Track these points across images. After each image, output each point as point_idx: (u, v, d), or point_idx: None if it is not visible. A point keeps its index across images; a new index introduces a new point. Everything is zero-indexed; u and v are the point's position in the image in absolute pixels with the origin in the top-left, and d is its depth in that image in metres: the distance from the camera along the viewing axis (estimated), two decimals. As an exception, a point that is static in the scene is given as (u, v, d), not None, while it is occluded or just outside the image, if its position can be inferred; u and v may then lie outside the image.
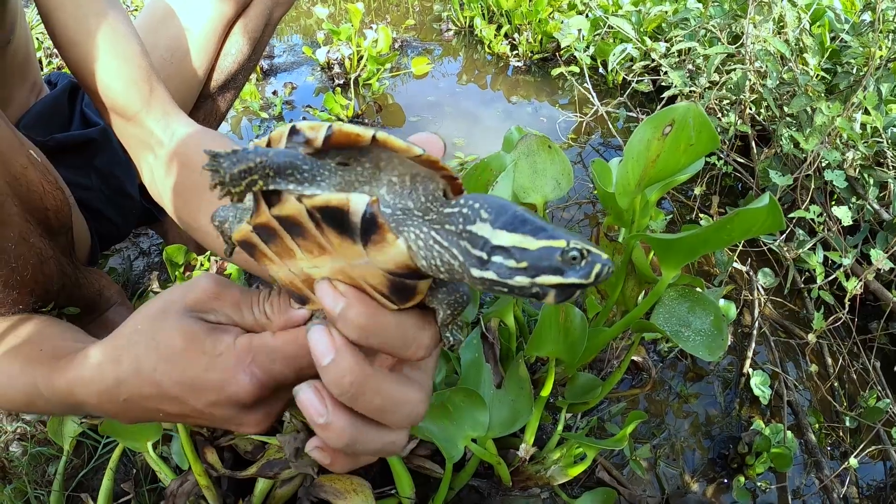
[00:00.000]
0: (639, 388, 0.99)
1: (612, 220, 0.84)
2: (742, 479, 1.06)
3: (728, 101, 1.41)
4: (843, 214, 1.13)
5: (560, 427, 0.78)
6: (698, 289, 0.75)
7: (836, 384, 1.30)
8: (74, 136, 0.91)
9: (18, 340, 0.59)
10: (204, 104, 1.04)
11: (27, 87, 0.92)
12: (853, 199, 1.27)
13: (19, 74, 0.89)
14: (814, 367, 1.28)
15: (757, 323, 1.23)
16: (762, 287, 1.27)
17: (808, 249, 1.21)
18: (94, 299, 0.82)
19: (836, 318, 1.18)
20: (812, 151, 1.22)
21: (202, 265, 0.99)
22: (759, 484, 1.09)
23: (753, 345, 1.20)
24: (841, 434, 1.24)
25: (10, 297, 0.61)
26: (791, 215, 1.07)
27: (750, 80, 1.37)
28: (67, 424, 0.91)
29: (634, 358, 1.00)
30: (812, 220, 1.06)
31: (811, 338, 1.04)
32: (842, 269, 1.14)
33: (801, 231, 1.10)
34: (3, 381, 0.57)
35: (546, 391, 0.76)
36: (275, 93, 1.83)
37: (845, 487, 1.14)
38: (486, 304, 0.73)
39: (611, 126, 1.64)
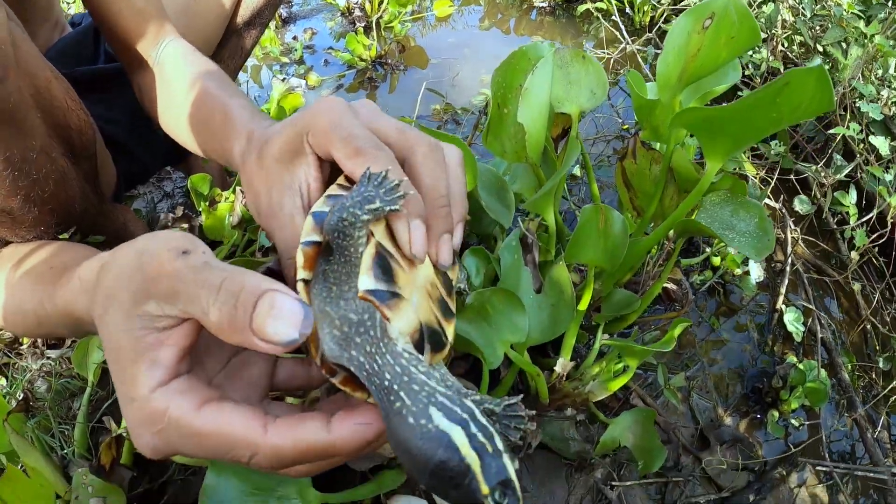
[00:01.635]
0: (674, 312, 0.96)
1: (649, 135, 0.80)
2: (776, 413, 1.04)
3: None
4: (881, 144, 1.09)
5: (597, 344, 0.76)
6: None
7: (868, 326, 1.27)
8: (100, 70, 0.89)
9: (34, 262, 0.58)
10: (229, 40, 1.03)
11: (50, 25, 0.91)
12: (886, 138, 1.22)
13: (41, 12, 0.87)
14: (846, 308, 1.25)
15: (790, 260, 1.19)
16: (793, 225, 1.24)
17: (843, 191, 1.17)
18: (119, 232, 0.80)
19: (866, 252, 1.15)
20: (845, 82, 1.18)
21: (227, 198, 0.96)
22: (792, 421, 1.06)
23: (787, 281, 1.17)
24: (874, 376, 1.22)
25: (31, 213, 0.59)
26: (831, 131, 1.03)
27: (782, 14, 1.32)
28: (92, 354, 0.89)
29: (667, 285, 0.97)
30: (852, 138, 1.02)
31: (853, 256, 0.99)
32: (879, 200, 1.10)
33: (838, 157, 1.06)
34: (16, 304, 0.57)
35: (584, 304, 0.73)
36: (295, 38, 1.80)
37: (878, 429, 1.11)
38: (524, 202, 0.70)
39: (640, 62, 1.59)
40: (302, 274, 0.36)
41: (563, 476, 0.86)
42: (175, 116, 0.70)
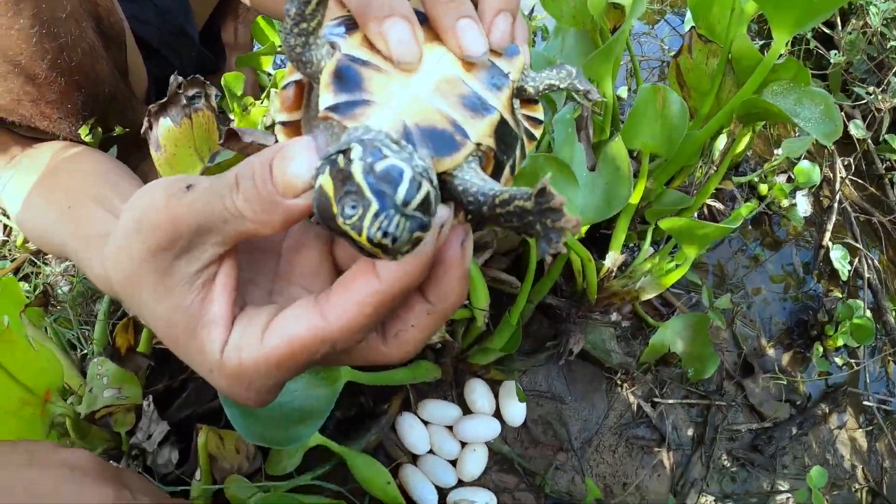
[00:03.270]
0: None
1: (705, 32, 0.76)
2: (820, 348, 1.00)
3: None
4: (942, 74, 1.04)
5: (647, 242, 0.72)
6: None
7: (914, 275, 1.22)
8: None
9: (55, 184, 0.55)
10: None
11: None
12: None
13: None
14: (892, 256, 1.20)
15: (838, 196, 1.14)
16: (841, 166, 1.19)
17: (893, 133, 1.12)
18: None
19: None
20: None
21: (262, 102, 0.93)
22: (835, 359, 1.02)
23: (834, 218, 1.12)
24: (919, 325, 1.17)
25: (57, 84, 0.56)
26: (893, 44, 0.97)
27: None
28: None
29: (713, 203, 0.93)
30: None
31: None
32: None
33: (895, 79, 1.01)
34: (41, 230, 0.55)
35: (637, 196, 0.69)
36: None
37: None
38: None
39: None
40: (280, 117, 0.30)
41: (603, 389, 0.83)
42: None
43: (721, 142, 0.87)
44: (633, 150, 0.70)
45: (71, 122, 0.61)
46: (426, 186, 0.23)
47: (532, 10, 1.19)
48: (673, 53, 1.32)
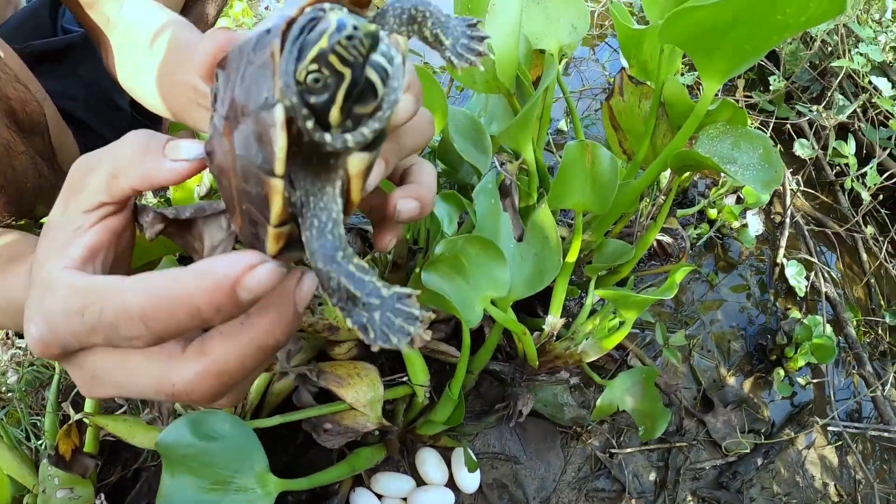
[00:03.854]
0: (670, 265, 0.90)
1: (637, 72, 0.74)
2: (781, 372, 0.98)
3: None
4: (884, 85, 1.02)
5: (590, 297, 0.69)
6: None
7: (872, 281, 1.21)
8: (54, 43, 0.84)
9: None
10: (192, 10, 0.97)
11: (2, 2, 0.85)
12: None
13: None
14: (848, 263, 1.19)
15: (790, 212, 1.13)
16: (791, 178, 1.18)
17: (841, 140, 1.11)
18: None
19: (868, 206, 1.09)
20: (841, 26, 1.11)
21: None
22: (798, 379, 1.01)
23: (787, 234, 1.11)
24: (880, 332, 1.16)
25: None
26: (834, 64, 0.96)
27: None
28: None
29: (661, 238, 0.91)
30: (856, 71, 0.95)
31: (865, 197, 0.92)
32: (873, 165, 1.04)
33: (839, 96, 0.99)
34: None
35: (573, 255, 0.66)
36: (267, 8, 1.75)
37: (888, 387, 1.06)
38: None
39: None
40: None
41: (558, 444, 0.80)
42: (136, 71, 0.64)
43: (666, 173, 0.85)
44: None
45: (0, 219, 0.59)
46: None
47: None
48: (613, 79, 1.30)
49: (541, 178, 0.65)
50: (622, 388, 0.71)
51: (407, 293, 0.23)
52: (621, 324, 0.67)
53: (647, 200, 0.81)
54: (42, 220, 0.66)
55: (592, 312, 0.69)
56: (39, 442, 0.78)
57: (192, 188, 0.96)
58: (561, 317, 0.69)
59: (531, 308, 0.77)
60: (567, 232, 0.75)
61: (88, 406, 0.75)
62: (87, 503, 0.67)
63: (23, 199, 0.60)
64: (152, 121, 1.02)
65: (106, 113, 0.89)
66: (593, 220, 0.72)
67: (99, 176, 0.30)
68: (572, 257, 0.67)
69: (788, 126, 1.18)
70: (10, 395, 0.87)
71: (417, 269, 0.55)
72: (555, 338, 0.68)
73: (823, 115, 0.96)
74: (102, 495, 0.68)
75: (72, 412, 0.75)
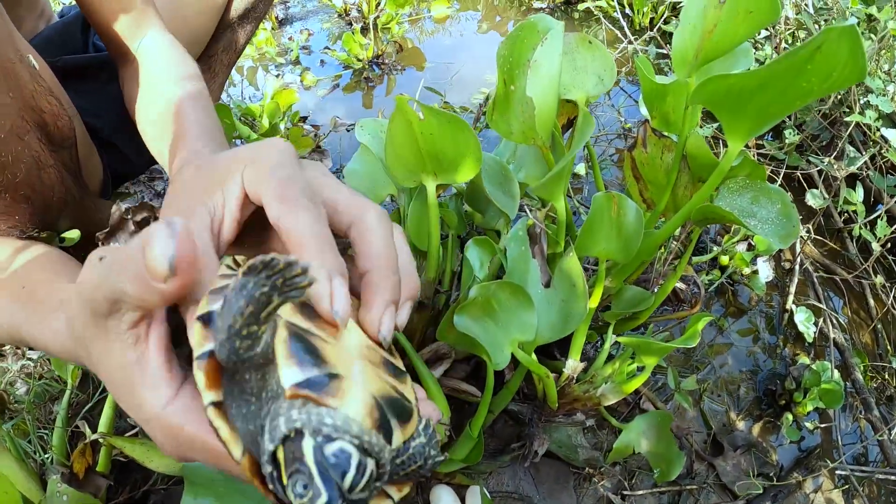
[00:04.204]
0: (685, 312, 0.91)
1: (659, 123, 0.76)
2: (790, 416, 0.99)
3: (764, 36, 1.34)
4: (893, 136, 1.05)
5: (608, 343, 0.71)
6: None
7: (879, 326, 1.23)
8: (85, 59, 0.85)
9: (3, 273, 0.54)
10: (223, 35, 1.00)
11: (35, 15, 0.88)
12: None
13: (26, 1, 0.83)
14: (856, 309, 1.21)
15: (799, 259, 1.15)
16: (801, 227, 1.20)
17: (850, 188, 1.13)
18: (103, 228, 0.76)
19: (877, 255, 1.11)
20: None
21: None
22: (806, 424, 1.02)
23: (796, 280, 1.13)
24: (887, 377, 1.18)
25: (3, 200, 0.55)
26: (847, 119, 0.99)
27: (785, 10, 1.29)
28: (71, 358, 0.85)
29: (676, 284, 0.93)
30: (868, 126, 0.98)
31: (875, 248, 0.94)
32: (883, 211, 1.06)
33: (850, 147, 1.02)
34: None
35: (595, 300, 0.68)
36: (291, 38, 1.77)
37: (895, 431, 1.07)
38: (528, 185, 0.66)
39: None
40: (209, 397, 0.29)
41: (570, 485, 0.81)
42: (143, 116, 0.67)
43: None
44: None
45: (21, 230, 0.59)
46: (370, 466, 0.25)
47: (487, 97, 1.19)
48: (629, 126, 1.34)
49: (567, 227, 0.67)
50: (638, 430, 0.72)
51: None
52: (640, 369, 0.69)
53: (664, 249, 0.83)
54: (64, 235, 0.67)
55: (610, 357, 0.70)
56: (46, 456, 0.78)
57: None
58: (580, 361, 0.70)
59: (549, 351, 0.79)
60: (588, 276, 0.77)
61: (103, 425, 0.75)
62: None
63: (48, 213, 0.61)
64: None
65: (131, 132, 0.90)
66: (613, 266, 0.74)
67: (111, 301, 0.31)
68: (594, 303, 0.69)
69: (798, 175, 1.21)
70: (18, 406, 0.87)
71: (446, 314, 0.57)
72: (574, 381, 0.70)
73: (834, 165, 0.99)
74: None
75: (87, 430, 0.75)
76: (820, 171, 1.21)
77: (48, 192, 0.60)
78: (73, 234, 0.68)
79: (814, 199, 1.03)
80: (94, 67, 0.85)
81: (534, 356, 0.64)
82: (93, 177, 0.78)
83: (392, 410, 0.29)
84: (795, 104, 0.54)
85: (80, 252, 0.71)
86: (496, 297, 0.57)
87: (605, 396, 0.68)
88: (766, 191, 0.66)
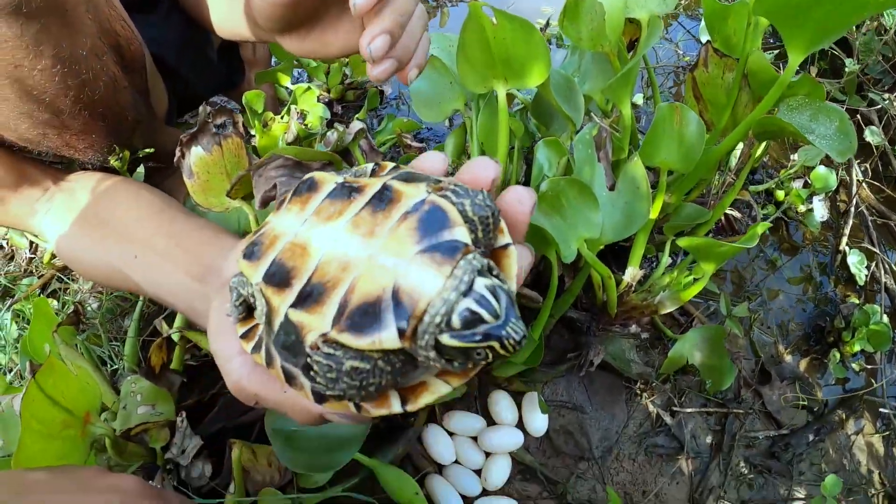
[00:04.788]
0: (741, 234, 0.92)
1: (720, 45, 0.77)
2: (837, 354, 1.00)
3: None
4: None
5: (665, 256, 0.73)
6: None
7: (932, 276, 1.22)
8: None
9: (92, 217, 0.59)
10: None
11: None
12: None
13: None
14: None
15: (855, 200, 1.15)
16: (858, 169, 1.19)
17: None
18: (173, 152, 0.80)
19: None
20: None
21: (282, 118, 0.95)
22: (852, 365, 1.03)
23: (850, 222, 1.12)
24: (937, 329, 1.17)
25: (81, 117, 0.58)
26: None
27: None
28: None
29: (730, 212, 0.94)
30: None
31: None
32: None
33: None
34: (76, 254, 0.58)
35: (655, 211, 0.70)
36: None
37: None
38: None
39: None
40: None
41: (622, 399, 0.84)
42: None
43: (737, 151, 0.88)
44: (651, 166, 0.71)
45: (97, 150, 0.63)
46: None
47: (548, 22, 1.20)
48: (687, 59, 1.33)
49: (631, 136, 0.69)
50: (692, 342, 0.74)
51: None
52: (695, 280, 0.71)
53: (723, 172, 0.84)
54: (141, 153, 0.71)
55: (669, 268, 0.73)
56: (116, 366, 0.82)
57: (278, 136, 0.96)
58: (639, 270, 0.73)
59: (606, 263, 0.81)
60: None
61: (179, 322, 0.78)
62: (168, 420, 0.69)
63: (121, 133, 0.65)
64: (234, 70, 1.06)
65: (195, 61, 0.92)
66: (674, 182, 0.76)
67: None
68: (654, 214, 0.71)
69: (859, 117, 1.19)
70: (91, 321, 0.91)
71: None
72: (633, 289, 0.72)
73: (895, 103, 0.98)
74: (184, 413, 0.70)
75: (164, 326, 0.78)
76: (881, 117, 1.19)
77: (122, 113, 0.64)
78: (148, 151, 0.72)
79: (872, 135, 1.03)
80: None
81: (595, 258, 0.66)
82: (159, 103, 0.82)
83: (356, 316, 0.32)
84: (852, 17, 0.54)
85: (151, 174, 0.75)
86: (565, 193, 0.59)
87: (662, 304, 0.70)
88: (824, 109, 0.67)
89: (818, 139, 0.65)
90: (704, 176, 0.74)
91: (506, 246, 0.33)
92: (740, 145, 0.95)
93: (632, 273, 0.70)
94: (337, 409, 0.33)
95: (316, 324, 0.30)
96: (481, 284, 0.28)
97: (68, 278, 0.98)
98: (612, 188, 0.65)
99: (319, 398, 0.33)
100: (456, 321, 0.28)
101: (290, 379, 0.33)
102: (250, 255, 0.35)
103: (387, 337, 0.28)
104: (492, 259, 0.32)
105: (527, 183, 0.72)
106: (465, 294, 0.28)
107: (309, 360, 0.31)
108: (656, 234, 0.83)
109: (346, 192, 0.33)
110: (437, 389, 0.32)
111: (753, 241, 0.59)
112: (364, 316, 0.29)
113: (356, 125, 0.94)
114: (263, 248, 0.34)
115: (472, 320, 0.28)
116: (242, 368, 0.39)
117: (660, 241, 0.81)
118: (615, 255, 0.82)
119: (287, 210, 0.35)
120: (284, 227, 0.34)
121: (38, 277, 1.00)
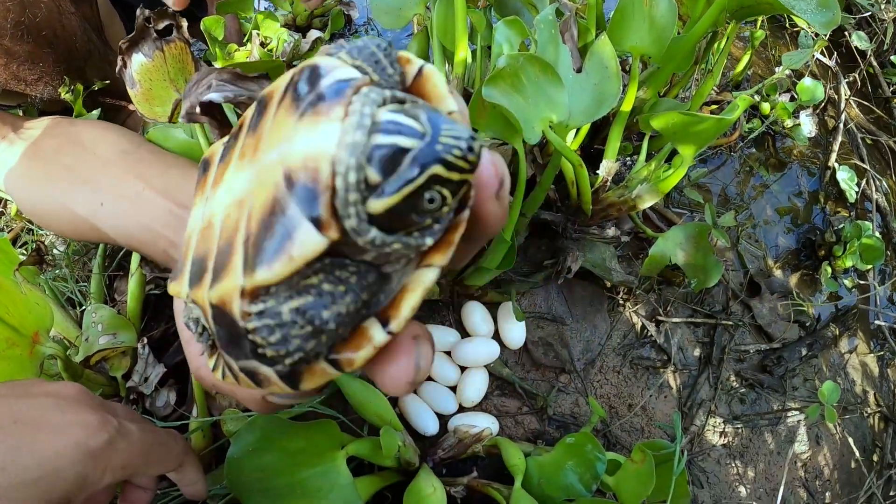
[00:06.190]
0: (725, 139, 0.89)
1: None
2: (829, 268, 0.97)
3: None
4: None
5: (643, 153, 0.70)
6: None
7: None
8: None
9: (50, 157, 0.55)
10: None
11: None
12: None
13: None
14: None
15: (843, 117, 1.11)
16: (846, 88, 1.16)
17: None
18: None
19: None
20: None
21: (246, 42, 0.91)
22: (844, 281, 1.00)
23: (840, 138, 1.09)
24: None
25: (26, 44, 0.56)
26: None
27: None
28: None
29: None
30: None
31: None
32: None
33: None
34: (45, 211, 0.55)
35: (628, 103, 0.67)
36: None
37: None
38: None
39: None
40: None
41: (604, 309, 0.82)
42: None
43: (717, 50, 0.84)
44: (621, 56, 0.68)
45: (47, 81, 0.61)
46: None
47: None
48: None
49: (597, 20, 0.66)
50: (675, 241, 0.71)
51: None
52: (676, 169, 0.68)
53: (701, 73, 0.81)
54: (94, 86, 0.69)
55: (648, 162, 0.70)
56: (84, 306, 0.79)
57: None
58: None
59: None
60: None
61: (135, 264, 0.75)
62: (129, 347, 0.67)
63: (72, 60, 0.63)
64: (199, 6, 1.04)
65: None
66: (648, 77, 0.73)
67: None
68: (627, 106, 0.68)
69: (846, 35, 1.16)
70: (58, 263, 0.89)
71: (473, 95, 0.57)
72: (608, 187, 0.69)
73: (882, 7, 0.94)
74: (145, 339, 0.68)
75: (133, 265, 0.76)
76: (869, 34, 1.16)
77: (70, 39, 0.61)
78: (102, 84, 0.70)
79: (860, 40, 0.99)
80: None
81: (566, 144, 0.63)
82: (115, 39, 0.80)
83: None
84: None
85: (108, 113, 0.72)
86: (525, 70, 0.56)
87: (640, 198, 0.67)
88: (808, -18, 0.64)
89: (800, 12, 0.62)
90: (680, 68, 0.71)
91: (420, 70, 0.26)
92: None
93: (607, 167, 0.67)
94: (276, 391, 0.28)
95: (231, 288, 0.24)
96: (387, 111, 0.22)
97: (40, 230, 0.95)
98: (579, 71, 0.61)
99: (291, 379, 0.26)
100: (374, 170, 0.21)
101: (254, 377, 0.27)
102: (174, 274, 0.31)
103: (301, 240, 0.22)
104: (412, 94, 0.26)
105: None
106: (374, 132, 0.22)
107: (250, 336, 0.25)
108: (634, 138, 0.80)
109: (232, 138, 0.29)
110: (420, 281, 0.25)
111: (735, 114, 0.56)
112: (267, 233, 0.23)
113: (314, 34, 0.91)
114: (183, 259, 0.30)
115: (392, 154, 0.21)
116: (203, 356, 0.37)
117: (637, 143, 0.78)
118: (592, 159, 0.78)
119: (194, 207, 0.31)
120: (193, 224, 0.30)
121: (8, 232, 0.97)
